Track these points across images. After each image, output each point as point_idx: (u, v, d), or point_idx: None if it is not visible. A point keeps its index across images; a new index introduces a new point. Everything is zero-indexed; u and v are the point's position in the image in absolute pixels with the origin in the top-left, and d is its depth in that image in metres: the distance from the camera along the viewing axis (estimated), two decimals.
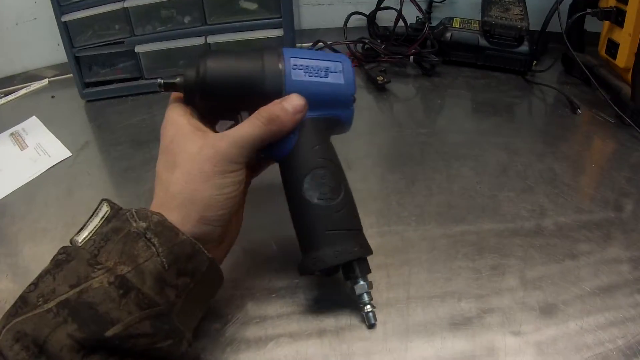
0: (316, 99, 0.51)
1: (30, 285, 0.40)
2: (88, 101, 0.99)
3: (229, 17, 0.95)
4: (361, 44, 1.07)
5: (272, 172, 0.56)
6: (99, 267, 0.39)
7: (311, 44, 1.09)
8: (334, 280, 0.55)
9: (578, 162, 0.78)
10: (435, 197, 0.69)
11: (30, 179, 0.78)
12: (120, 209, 0.45)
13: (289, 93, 0.50)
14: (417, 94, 0.98)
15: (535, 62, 1.02)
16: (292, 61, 0.51)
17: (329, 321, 0.53)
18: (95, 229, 0.44)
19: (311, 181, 0.50)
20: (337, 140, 0.55)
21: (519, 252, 0.60)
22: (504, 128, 0.87)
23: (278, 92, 0.50)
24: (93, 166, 0.81)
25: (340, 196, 0.51)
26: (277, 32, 0.96)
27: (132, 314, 0.38)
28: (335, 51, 1.05)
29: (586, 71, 0.89)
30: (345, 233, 0.50)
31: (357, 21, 1.15)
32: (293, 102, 0.50)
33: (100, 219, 0.44)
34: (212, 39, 0.95)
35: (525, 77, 1.01)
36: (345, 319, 0.53)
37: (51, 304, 0.38)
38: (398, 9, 1.04)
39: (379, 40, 1.08)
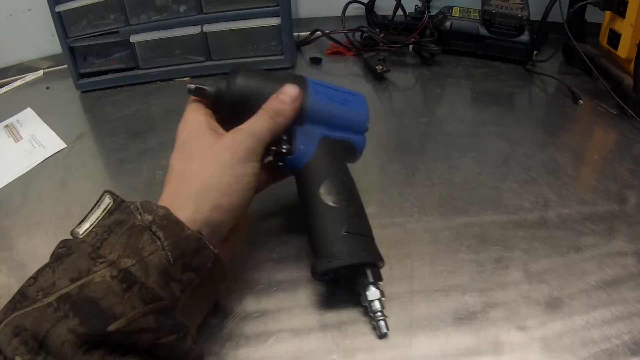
0: (333, 121, 0.56)
1: (29, 279, 0.39)
2: (83, 92, 0.98)
3: (225, 5, 0.93)
4: (360, 33, 1.06)
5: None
6: (101, 260, 0.38)
7: (309, 33, 1.08)
8: None
9: (580, 153, 0.77)
10: (437, 188, 0.68)
11: (24, 171, 0.77)
12: (123, 201, 0.45)
13: (309, 112, 0.54)
14: (417, 83, 0.97)
15: (535, 52, 1.01)
16: (314, 87, 0.56)
17: (330, 315, 0.52)
18: (97, 221, 0.43)
19: (327, 187, 0.52)
20: None
21: (522, 244, 0.60)
22: (505, 118, 0.86)
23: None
24: (88, 157, 0.80)
25: (355, 204, 0.53)
26: (274, 21, 0.94)
27: (136, 309, 0.37)
28: (334, 40, 1.05)
29: (587, 61, 0.88)
30: (359, 237, 0.51)
31: (355, 10, 1.13)
32: (288, 92, 0.53)
33: (103, 211, 0.44)
34: (208, 28, 0.94)
35: (526, 66, 1.00)
36: (348, 313, 0.52)
37: (51, 298, 0.37)
38: None
39: (377, 29, 1.07)
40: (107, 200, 0.45)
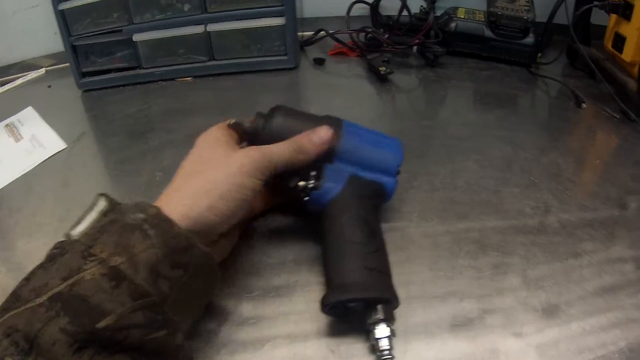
0: (363, 161, 0.57)
1: (23, 280, 0.39)
2: (85, 91, 0.98)
3: (230, 4, 0.93)
4: (364, 34, 1.05)
5: None
6: (92, 258, 0.39)
7: (312, 33, 1.07)
8: None
9: (582, 157, 0.77)
10: (438, 193, 0.68)
11: (25, 172, 0.77)
12: (118, 203, 0.46)
13: (340, 152, 0.56)
14: (420, 85, 0.97)
15: (539, 54, 1.00)
16: (350, 129, 0.58)
17: (327, 322, 0.52)
18: (91, 223, 0.44)
19: (350, 223, 0.53)
20: None
21: (522, 250, 0.59)
22: (508, 121, 0.85)
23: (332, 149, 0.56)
24: (89, 158, 0.80)
25: (377, 241, 0.53)
26: (279, 21, 0.94)
27: (125, 305, 0.38)
28: (338, 41, 1.04)
29: (592, 64, 0.87)
30: (376, 273, 0.50)
31: (360, 10, 1.13)
32: (320, 134, 0.54)
33: (97, 214, 0.44)
34: (212, 27, 0.93)
35: (530, 69, 0.99)
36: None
37: (43, 298, 0.37)
38: None
39: (382, 30, 1.06)
40: (102, 203, 0.45)
